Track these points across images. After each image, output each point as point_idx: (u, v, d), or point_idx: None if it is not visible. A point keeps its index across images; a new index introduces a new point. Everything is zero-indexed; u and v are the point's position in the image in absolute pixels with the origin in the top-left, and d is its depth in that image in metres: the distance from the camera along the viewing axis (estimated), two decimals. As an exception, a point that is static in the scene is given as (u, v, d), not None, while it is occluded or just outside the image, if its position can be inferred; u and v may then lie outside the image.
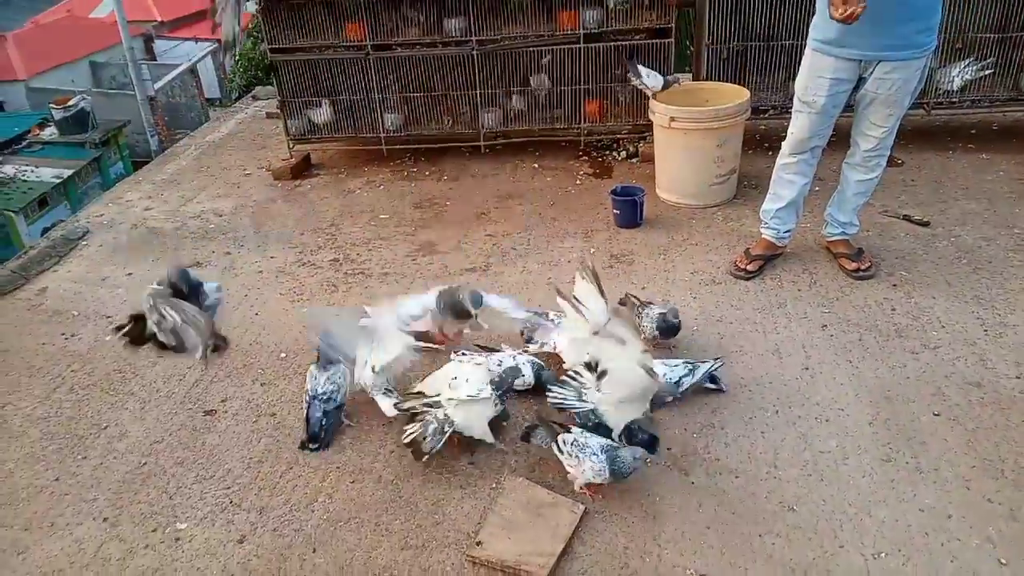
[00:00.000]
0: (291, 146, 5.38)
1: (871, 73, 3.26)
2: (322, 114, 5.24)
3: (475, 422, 2.70)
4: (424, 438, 2.64)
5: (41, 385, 3.37)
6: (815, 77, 3.34)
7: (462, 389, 2.70)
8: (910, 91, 3.27)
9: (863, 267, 3.64)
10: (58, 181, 14.54)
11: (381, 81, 5.12)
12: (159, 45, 22.54)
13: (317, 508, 2.64)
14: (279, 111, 5.36)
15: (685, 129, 4.25)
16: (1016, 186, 4.42)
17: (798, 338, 3.27)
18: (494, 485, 2.66)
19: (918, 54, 3.20)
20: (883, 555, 2.31)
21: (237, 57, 16.29)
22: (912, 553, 2.31)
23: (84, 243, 4.64)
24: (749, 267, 3.75)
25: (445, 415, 2.67)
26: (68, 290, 4.13)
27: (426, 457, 2.66)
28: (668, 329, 3.13)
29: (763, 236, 3.79)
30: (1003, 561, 2.27)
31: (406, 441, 2.69)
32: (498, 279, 3.92)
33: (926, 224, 4.06)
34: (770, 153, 5.09)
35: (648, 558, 2.36)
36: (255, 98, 7.13)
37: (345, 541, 2.50)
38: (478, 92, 5.07)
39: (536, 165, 5.25)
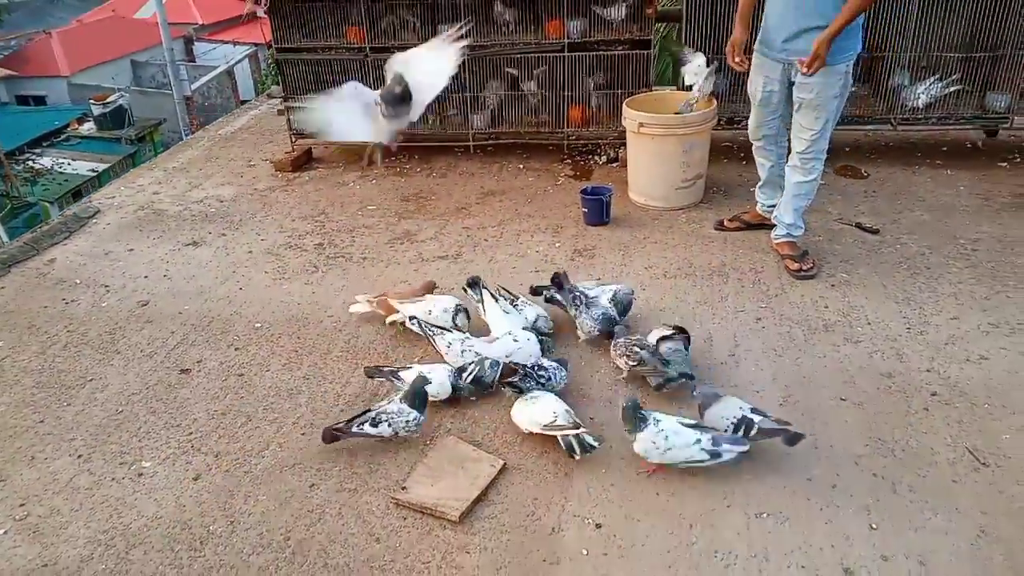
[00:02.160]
0: (293, 140, 5.72)
1: (795, 78, 3.59)
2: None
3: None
4: None
5: (39, 342, 3.71)
6: (754, 73, 3.81)
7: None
8: (832, 96, 3.54)
9: (805, 267, 3.86)
10: (93, 175, 15.13)
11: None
12: (198, 47, 23.23)
13: (267, 455, 2.93)
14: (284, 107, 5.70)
15: (653, 134, 4.50)
16: (973, 200, 4.61)
17: (731, 329, 3.50)
18: (428, 442, 2.93)
19: (831, 61, 3.48)
20: (764, 515, 2.53)
21: (271, 61, 16.82)
22: (791, 515, 2.53)
23: (94, 221, 5.01)
24: (727, 223, 4.33)
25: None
26: (74, 262, 4.49)
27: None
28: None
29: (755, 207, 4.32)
30: (874, 526, 2.48)
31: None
32: (467, 266, 4.19)
33: (875, 232, 4.26)
34: (744, 163, 5.33)
35: (553, 508, 2.61)
36: (270, 96, 7.49)
37: (287, 483, 2.79)
38: (468, 95, 5.36)
39: (521, 166, 5.53)
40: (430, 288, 3.70)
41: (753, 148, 4.18)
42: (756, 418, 2.72)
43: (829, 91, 3.52)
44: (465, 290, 3.59)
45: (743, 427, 2.70)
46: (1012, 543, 2.38)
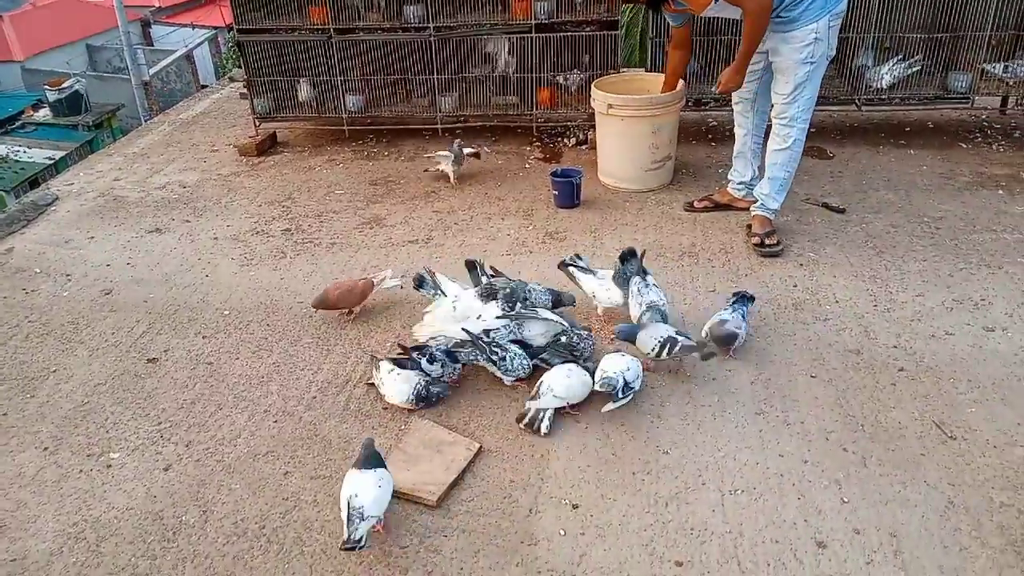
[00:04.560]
0: (257, 124, 5.63)
1: (768, 45, 3.68)
2: (302, 92, 5.51)
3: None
4: None
5: (-1, 333, 3.62)
6: None
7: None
8: (798, 61, 3.58)
9: (768, 242, 3.89)
10: (50, 162, 14.72)
11: (343, 64, 5.36)
12: (156, 30, 22.68)
13: (240, 443, 2.89)
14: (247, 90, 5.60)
15: (622, 116, 4.50)
16: (935, 179, 4.69)
17: (701, 308, 3.51)
18: (402, 427, 2.91)
19: (791, 28, 3.55)
20: (738, 492, 2.56)
21: (231, 44, 16.49)
22: (764, 491, 2.56)
23: (53, 209, 4.88)
24: (696, 203, 4.37)
25: None
26: (33, 250, 4.37)
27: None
28: None
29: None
30: (845, 500, 2.52)
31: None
32: (437, 250, 4.17)
33: (842, 211, 4.31)
34: (713, 144, 5.36)
35: (529, 490, 2.61)
36: (232, 80, 7.38)
37: (260, 471, 2.75)
38: (435, 77, 5.31)
39: (490, 149, 5.49)
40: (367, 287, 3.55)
41: (733, 113, 4.19)
42: (680, 338, 2.97)
43: (795, 55, 3.55)
44: (418, 288, 3.46)
45: (668, 345, 2.96)
46: (979, 513, 2.44)
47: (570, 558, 2.36)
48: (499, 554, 2.39)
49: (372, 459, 2.44)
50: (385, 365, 3.03)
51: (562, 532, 2.45)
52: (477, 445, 2.77)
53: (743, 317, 3.19)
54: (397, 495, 2.59)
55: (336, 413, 3.01)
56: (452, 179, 4.91)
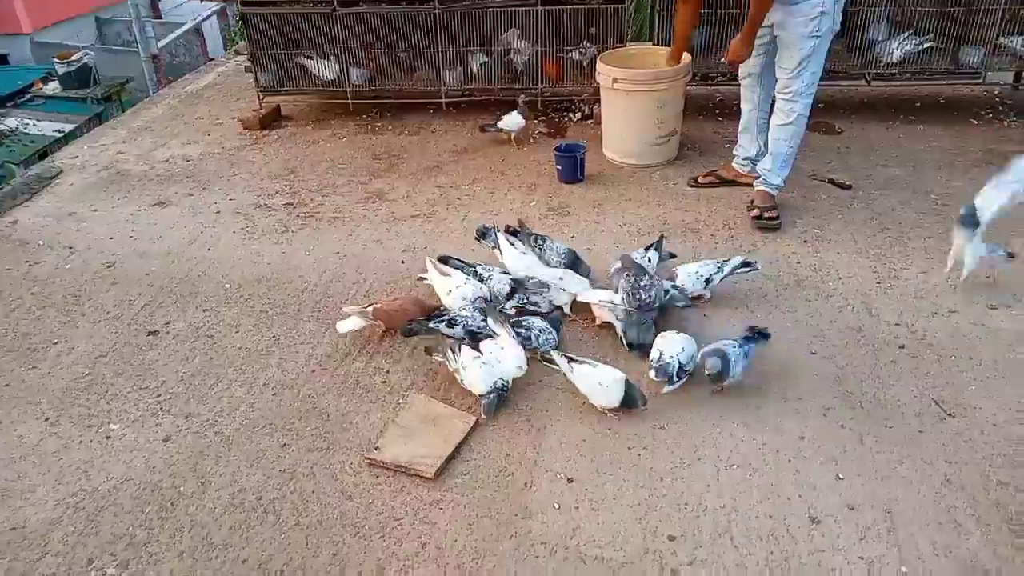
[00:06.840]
0: (261, 98, 5.60)
1: (774, 18, 3.62)
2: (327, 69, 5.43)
3: None
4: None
5: (2, 305, 3.64)
6: None
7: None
8: (803, 35, 3.54)
9: (767, 215, 3.86)
10: (59, 135, 14.69)
11: (348, 37, 5.31)
12: (164, 3, 22.53)
13: (238, 416, 2.90)
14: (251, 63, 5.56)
15: (627, 90, 4.45)
16: (945, 155, 4.62)
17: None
18: (400, 401, 2.92)
19: (797, 0, 3.49)
20: (734, 467, 2.56)
21: (238, 18, 16.37)
22: (760, 466, 2.56)
23: (57, 182, 4.89)
24: (700, 178, 4.34)
25: None
26: (36, 223, 4.39)
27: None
28: None
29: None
30: (840, 476, 2.51)
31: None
32: (439, 225, 4.16)
33: (848, 187, 4.27)
34: (720, 120, 5.31)
35: (524, 463, 2.62)
36: (237, 52, 7.33)
37: (258, 443, 2.77)
38: (440, 51, 5.26)
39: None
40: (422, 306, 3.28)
41: (740, 87, 4.13)
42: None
43: (800, 29, 3.51)
44: (478, 240, 3.64)
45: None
46: (975, 491, 2.43)
47: (563, 531, 2.37)
48: (493, 527, 2.40)
49: None
50: (468, 351, 2.89)
51: (556, 506, 2.46)
52: (474, 418, 2.78)
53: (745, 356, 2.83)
54: (395, 469, 2.61)
55: (335, 387, 3.02)
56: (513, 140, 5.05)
